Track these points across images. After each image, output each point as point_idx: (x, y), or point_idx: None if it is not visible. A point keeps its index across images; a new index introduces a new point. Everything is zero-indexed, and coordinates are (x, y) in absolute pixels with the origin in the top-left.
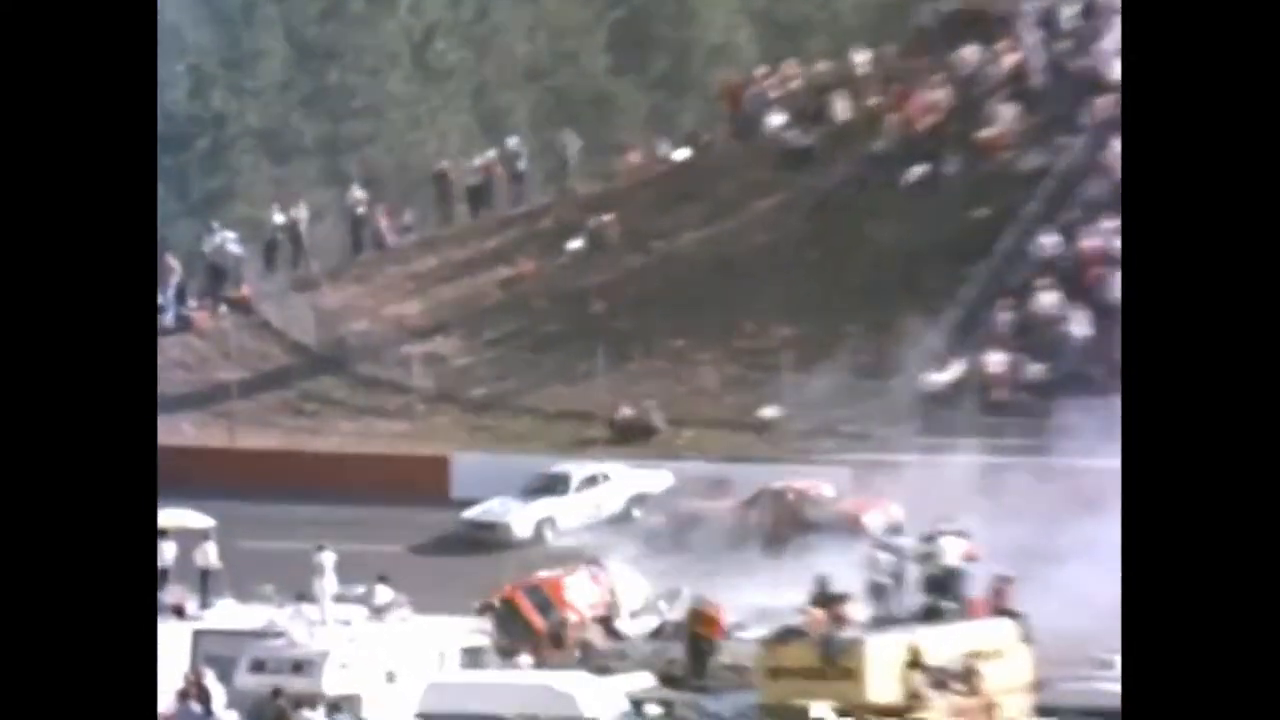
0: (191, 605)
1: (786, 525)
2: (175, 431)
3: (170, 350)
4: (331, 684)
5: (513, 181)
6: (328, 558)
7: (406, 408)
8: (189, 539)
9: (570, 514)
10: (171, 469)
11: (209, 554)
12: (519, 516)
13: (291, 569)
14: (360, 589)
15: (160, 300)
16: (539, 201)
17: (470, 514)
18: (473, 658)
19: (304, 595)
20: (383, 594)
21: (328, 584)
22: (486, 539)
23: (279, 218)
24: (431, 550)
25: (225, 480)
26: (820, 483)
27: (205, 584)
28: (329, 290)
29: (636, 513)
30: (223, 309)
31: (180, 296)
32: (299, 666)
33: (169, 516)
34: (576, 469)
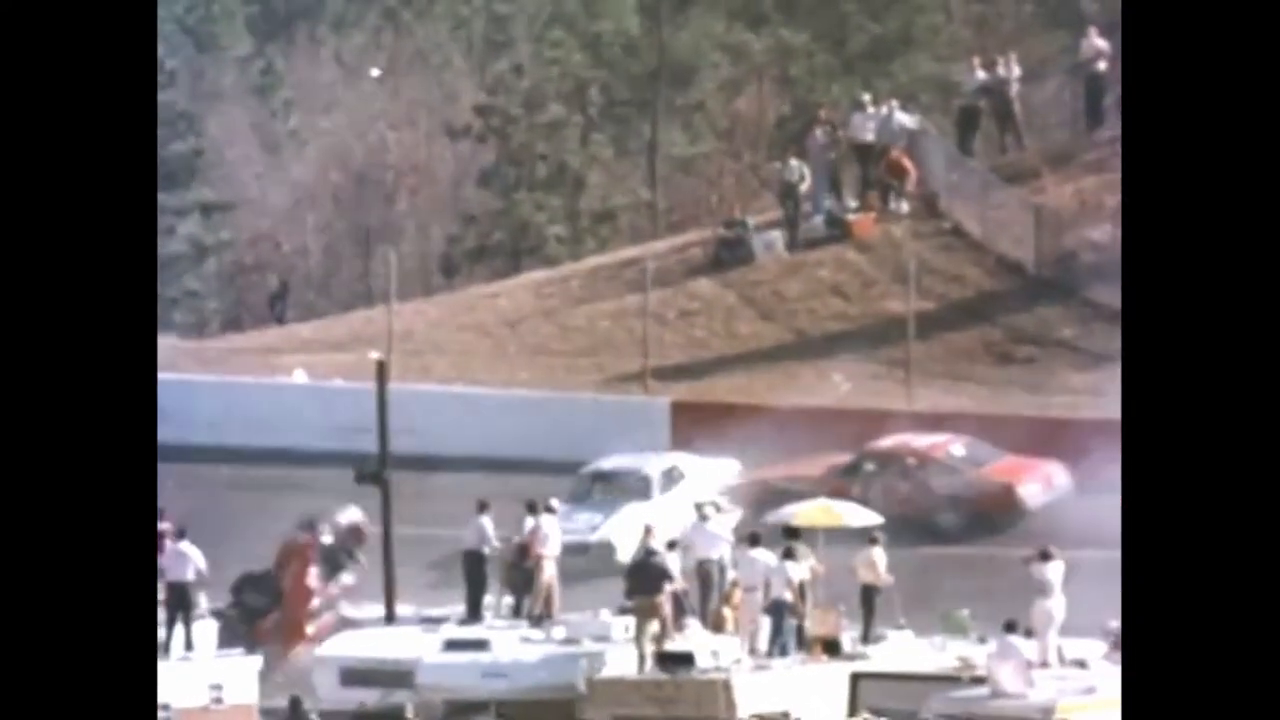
0: (847, 637)
1: (911, 502)
2: (825, 385)
3: (818, 269)
4: None
5: None
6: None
7: None
8: (848, 539)
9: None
10: (817, 435)
11: (877, 564)
12: (618, 533)
13: (992, 582)
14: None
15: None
16: None
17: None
18: None
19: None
20: None
21: (1054, 605)
22: (582, 567)
23: (979, 75)
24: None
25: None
26: (952, 438)
27: (869, 607)
28: (1052, 181)
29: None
30: (895, 208)
31: (835, 191)
32: None
33: (810, 513)
34: (651, 462)
